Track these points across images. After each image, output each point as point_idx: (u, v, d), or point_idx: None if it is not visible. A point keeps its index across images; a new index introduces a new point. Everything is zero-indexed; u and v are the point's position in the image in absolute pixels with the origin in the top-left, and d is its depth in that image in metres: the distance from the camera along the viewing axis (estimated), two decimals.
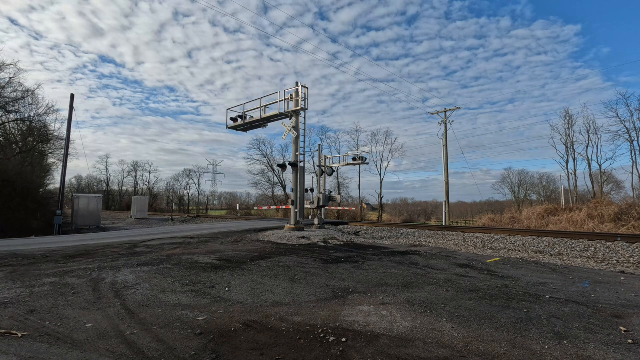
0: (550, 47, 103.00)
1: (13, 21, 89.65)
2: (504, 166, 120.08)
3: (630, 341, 3.24)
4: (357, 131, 48.20)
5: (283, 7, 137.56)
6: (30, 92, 27.56)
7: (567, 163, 36.04)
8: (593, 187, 34.69)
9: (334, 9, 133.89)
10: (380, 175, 44.69)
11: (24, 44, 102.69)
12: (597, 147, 34.48)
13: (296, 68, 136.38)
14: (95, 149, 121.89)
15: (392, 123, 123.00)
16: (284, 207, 21.67)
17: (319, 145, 19.43)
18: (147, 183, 69.77)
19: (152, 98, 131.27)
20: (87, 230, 22.21)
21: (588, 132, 34.57)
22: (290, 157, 14.52)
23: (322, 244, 10.89)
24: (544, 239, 11.83)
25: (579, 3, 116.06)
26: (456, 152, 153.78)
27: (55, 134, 31.01)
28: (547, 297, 4.78)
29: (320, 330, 3.48)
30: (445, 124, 28.68)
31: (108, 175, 67.88)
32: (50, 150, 31.94)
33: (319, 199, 16.68)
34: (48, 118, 30.90)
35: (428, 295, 4.86)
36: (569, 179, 35.99)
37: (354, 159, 19.68)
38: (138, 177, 69.37)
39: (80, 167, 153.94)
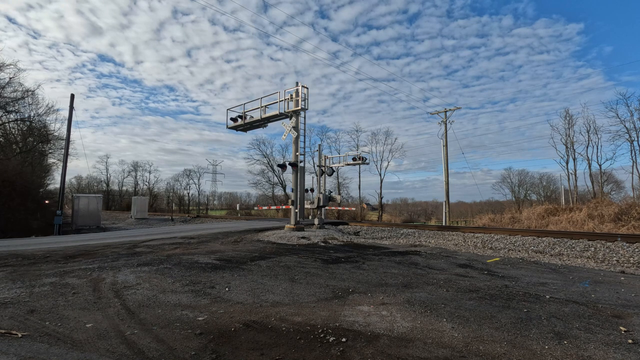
0: (552, 45, 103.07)
1: (11, 19, 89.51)
2: (504, 166, 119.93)
3: (630, 341, 3.25)
4: (357, 131, 48.12)
5: (283, 5, 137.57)
6: (30, 92, 27.62)
7: (567, 163, 36.07)
8: (593, 187, 34.71)
9: (335, 7, 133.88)
10: (380, 175, 44.74)
11: (22, 42, 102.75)
12: (597, 147, 34.49)
13: (296, 67, 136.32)
14: (95, 148, 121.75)
15: (392, 123, 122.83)
16: (284, 207, 21.66)
17: (319, 145, 19.44)
18: (147, 183, 69.76)
19: (152, 97, 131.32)
20: (87, 230, 22.21)
21: (588, 132, 34.60)
22: (290, 157, 14.52)
23: (322, 244, 10.89)
24: (544, 239, 11.83)
25: (582, 1, 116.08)
26: (456, 152, 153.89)
27: (55, 134, 31.09)
28: (547, 297, 4.78)
29: (320, 330, 3.48)
30: (445, 124, 28.69)
31: (108, 175, 67.84)
32: (50, 150, 32.00)
33: (319, 199, 16.68)
34: (48, 118, 30.98)
35: (428, 295, 4.86)
36: (569, 179, 36.02)
37: (354, 159, 19.68)
38: (138, 177, 69.34)
39: (80, 167, 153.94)
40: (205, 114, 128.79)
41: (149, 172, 71.04)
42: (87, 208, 25.12)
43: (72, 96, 21.17)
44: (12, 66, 25.26)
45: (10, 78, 25.33)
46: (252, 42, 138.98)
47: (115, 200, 64.43)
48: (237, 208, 36.13)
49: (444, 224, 26.96)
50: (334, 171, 22.39)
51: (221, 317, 3.89)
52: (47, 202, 24.55)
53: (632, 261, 8.33)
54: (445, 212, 27.81)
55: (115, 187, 68.81)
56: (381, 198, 45.38)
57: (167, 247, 9.55)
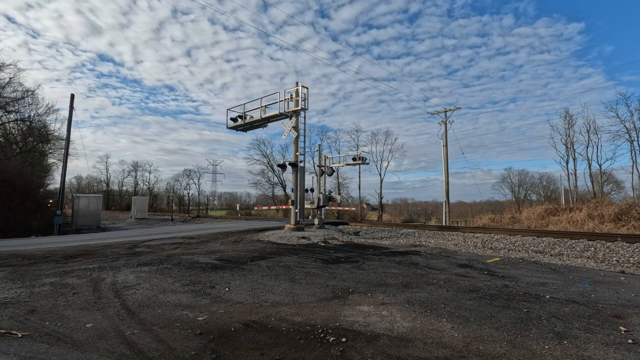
0: (553, 45, 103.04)
1: (10, 19, 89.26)
2: (505, 166, 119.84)
3: (630, 341, 3.25)
4: (357, 131, 48.07)
5: (283, 4, 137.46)
6: (30, 92, 27.64)
7: (567, 163, 36.04)
8: (593, 187, 34.69)
9: (335, 7, 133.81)
10: (380, 175, 44.73)
11: (22, 42, 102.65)
12: (597, 147, 34.44)
13: (296, 67, 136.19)
14: (95, 148, 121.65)
15: (392, 123, 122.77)
16: (284, 207, 21.66)
17: (319, 145, 19.43)
18: (147, 183, 69.74)
19: (152, 97, 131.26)
20: (87, 230, 22.21)
21: (588, 132, 34.58)
22: (290, 157, 14.52)
23: (322, 244, 10.89)
24: (544, 239, 11.83)
25: (583, 1, 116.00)
26: (456, 152, 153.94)
27: (55, 134, 31.11)
28: (547, 297, 4.78)
29: (320, 330, 3.48)
30: (445, 124, 28.69)
31: (108, 175, 67.83)
32: (50, 150, 32.02)
33: (319, 199, 16.68)
34: (48, 118, 31.01)
35: (428, 295, 4.86)
36: (569, 179, 35.99)
37: (354, 159, 19.68)
38: (138, 177, 69.33)
39: (80, 167, 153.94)
40: (205, 114, 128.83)
41: (149, 172, 71.11)
42: (87, 208, 25.12)
43: (72, 96, 21.18)
44: (12, 66, 25.30)
45: (10, 78, 25.36)
46: (252, 42, 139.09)
47: (115, 200, 64.40)
48: (237, 208, 36.13)
49: (444, 224, 26.96)
50: (334, 171, 22.39)
51: (221, 317, 3.89)
52: (50, 202, 24.57)
53: (632, 261, 8.33)
54: (445, 212, 27.81)
55: (115, 187, 68.86)
56: (381, 198, 45.42)
57: (167, 247, 9.55)
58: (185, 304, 4.36)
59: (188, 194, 57.80)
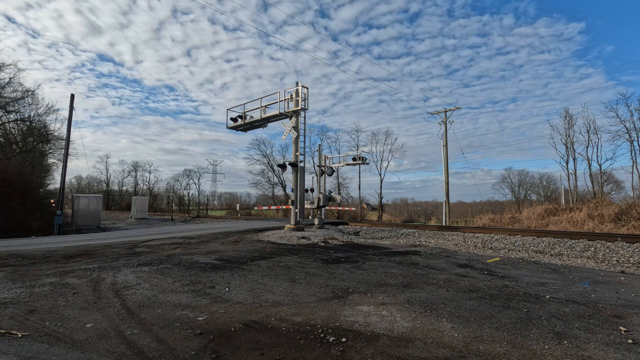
0: (553, 45, 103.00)
1: (10, 19, 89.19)
2: (505, 166, 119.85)
3: (630, 341, 3.25)
4: (357, 131, 48.08)
5: (283, 4, 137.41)
6: (30, 92, 27.64)
7: (567, 163, 36.04)
8: (593, 187, 34.68)
9: (335, 7, 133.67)
10: (380, 175, 44.76)
11: (22, 42, 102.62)
12: (597, 147, 34.43)
13: (296, 67, 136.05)
14: (95, 148, 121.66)
15: (392, 123, 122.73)
16: (284, 207, 21.66)
17: (319, 145, 19.43)
18: (147, 183, 69.74)
19: (152, 97, 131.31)
20: (87, 230, 22.20)
21: (588, 132, 34.58)
22: (290, 157, 14.52)
23: (322, 244, 10.89)
24: (544, 239, 11.82)
25: (583, 1, 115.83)
26: (457, 152, 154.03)
27: (55, 134, 31.12)
28: (547, 297, 4.78)
29: (320, 330, 3.48)
30: (445, 124, 28.69)
31: (108, 175, 67.84)
32: (50, 150, 32.03)
33: (319, 199, 16.67)
34: (48, 118, 31.01)
35: (428, 295, 4.86)
36: (569, 179, 35.99)
37: (354, 159, 19.68)
38: (138, 177, 69.33)
39: (80, 167, 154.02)
40: (205, 114, 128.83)
41: (149, 172, 71.10)
42: (87, 208, 25.11)
43: (72, 96, 21.17)
44: (12, 66, 25.30)
45: (10, 78, 25.36)
46: (252, 42, 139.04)
47: (115, 200, 64.40)
48: (237, 208, 36.13)
49: (444, 224, 26.95)
50: (334, 171, 22.39)
51: (221, 317, 3.89)
52: (52, 201, 24.60)
53: (632, 261, 8.33)
54: (445, 212, 27.81)
55: (115, 187, 68.88)
56: (381, 198, 45.43)
57: (167, 247, 9.55)
58: (185, 304, 4.36)
59: (188, 194, 57.88)
